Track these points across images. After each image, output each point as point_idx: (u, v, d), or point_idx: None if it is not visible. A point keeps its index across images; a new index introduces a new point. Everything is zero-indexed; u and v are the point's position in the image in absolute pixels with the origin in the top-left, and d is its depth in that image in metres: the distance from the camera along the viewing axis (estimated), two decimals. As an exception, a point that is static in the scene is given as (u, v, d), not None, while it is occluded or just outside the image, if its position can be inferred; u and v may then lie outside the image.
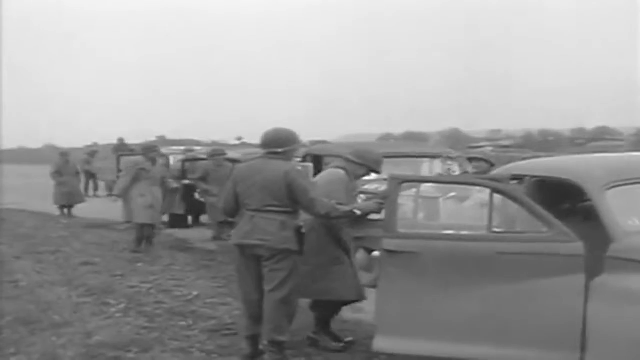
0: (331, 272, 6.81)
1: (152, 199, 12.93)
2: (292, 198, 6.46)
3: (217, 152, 15.38)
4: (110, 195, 26.35)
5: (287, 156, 6.67)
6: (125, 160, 16.14)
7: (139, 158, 13.30)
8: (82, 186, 22.49)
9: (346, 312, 8.03)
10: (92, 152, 28.69)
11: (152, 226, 13.13)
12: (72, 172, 19.74)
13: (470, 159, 10.74)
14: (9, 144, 59.23)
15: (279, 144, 6.65)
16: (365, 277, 9.74)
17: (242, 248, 6.60)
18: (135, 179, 12.86)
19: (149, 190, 12.94)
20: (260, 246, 6.46)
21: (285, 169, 6.49)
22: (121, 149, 26.45)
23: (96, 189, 27.58)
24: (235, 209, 6.78)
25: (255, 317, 6.62)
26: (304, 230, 6.55)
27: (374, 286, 6.65)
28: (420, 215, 6.68)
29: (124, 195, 13.61)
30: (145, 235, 13.00)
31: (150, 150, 13.34)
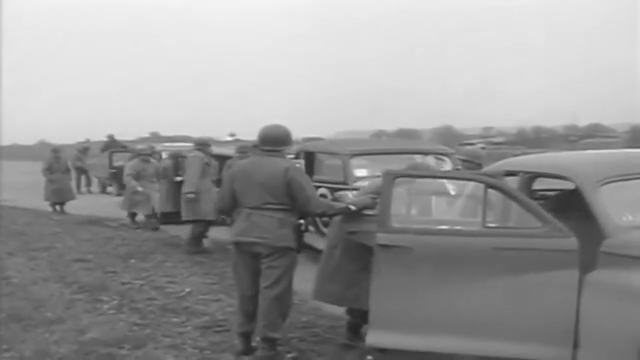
0: (363, 280, 6.72)
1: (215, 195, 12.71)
2: (289, 195, 6.44)
3: (243, 149, 14.76)
4: (102, 191, 26.33)
5: (282, 153, 6.66)
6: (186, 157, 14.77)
7: (199, 153, 12.83)
8: (73, 183, 22.38)
9: (338, 310, 8.04)
10: (84, 148, 28.60)
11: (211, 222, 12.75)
12: (63, 168, 19.65)
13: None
14: (4, 140, 59.16)
15: (279, 142, 6.63)
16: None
17: (239, 245, 6.59)
18: (201, 175, 12.58)
19: (213, 186, 12.80)
20: (258, 244, 6.44)
21: (285, 166, 6.48)
22: (112, 145, 26.41)
23: (89, 184, 27.38)
24: (231, 206, 6.75)
25: (250, 314, 6.61)
26: (303, 228, 6.54)
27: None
28: (414, 211, 6.66)
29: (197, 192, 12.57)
30: (203, 232, 12.76)
31: (206, 145, 13.10)
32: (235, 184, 6.66)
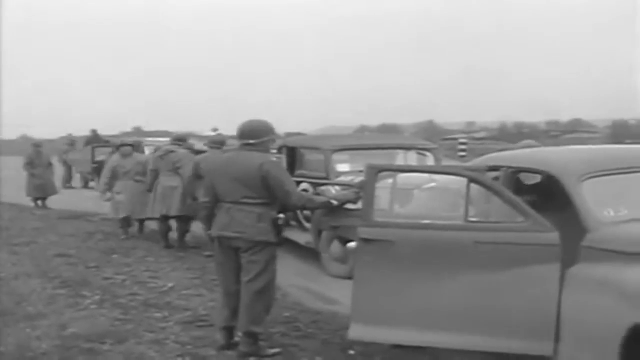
0: None
1: None
2: (267, 190, 6.42)
3: (214, 144, 13.90)
4: (85, 186, 26.18)
5: (263, 147, 6.63)
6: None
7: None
8: (59, 177, 22.20)
9: (320, 305, 8.06)
10: (72, 141, 28.48)
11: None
12: (45, 163, 19.54)
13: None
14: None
15: (253, 135, 6.60)
16: (340, 269, 9.79)
17: (220, 240, 6.58)
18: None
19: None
20: (238, 238, 6.44)
21: (259, 162, 6.44)
22: (94, 140, 26.26)
23: (69, 180, 27.09)
24: (214, 201, 6.71)
25: (235, 309, 6.58)
26: (281, 222, 6.54)
27: (349, 278, 6.64)
28: (397, 205, 6.67)
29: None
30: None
31: (184, 141, 12.94)
32: (213, 179, 6.66)
